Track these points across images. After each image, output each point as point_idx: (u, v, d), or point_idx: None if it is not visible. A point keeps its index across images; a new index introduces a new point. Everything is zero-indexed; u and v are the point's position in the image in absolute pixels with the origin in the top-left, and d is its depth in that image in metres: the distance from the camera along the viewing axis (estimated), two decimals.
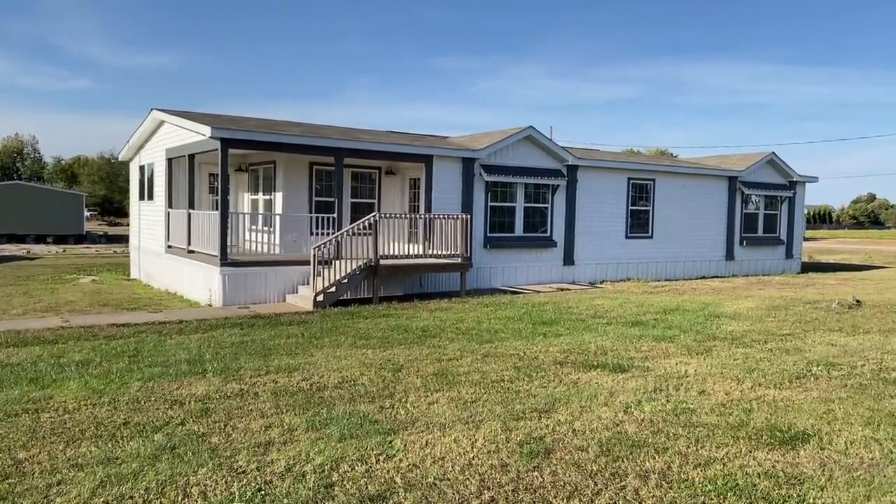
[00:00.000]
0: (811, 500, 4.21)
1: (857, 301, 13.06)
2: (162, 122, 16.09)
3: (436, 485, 4.38)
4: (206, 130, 12.55)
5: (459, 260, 14.40)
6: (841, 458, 4.91)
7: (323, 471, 4.55)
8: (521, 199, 16.79)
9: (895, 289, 16.56)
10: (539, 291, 15.40)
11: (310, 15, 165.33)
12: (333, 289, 12.58)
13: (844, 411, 6.02)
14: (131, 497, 4.13)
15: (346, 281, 12.77)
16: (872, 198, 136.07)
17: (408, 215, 14.98)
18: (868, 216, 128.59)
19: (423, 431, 5.37)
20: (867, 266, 26.23)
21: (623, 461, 4.80)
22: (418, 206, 15.89)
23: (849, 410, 6.05)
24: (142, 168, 18.23)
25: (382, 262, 13.30)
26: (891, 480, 4.52)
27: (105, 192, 69.57)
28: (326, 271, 12.56)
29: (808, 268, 23.67)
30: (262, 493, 4.21)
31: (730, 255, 20.94)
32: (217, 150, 12.75)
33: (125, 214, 57.23)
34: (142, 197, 18.26)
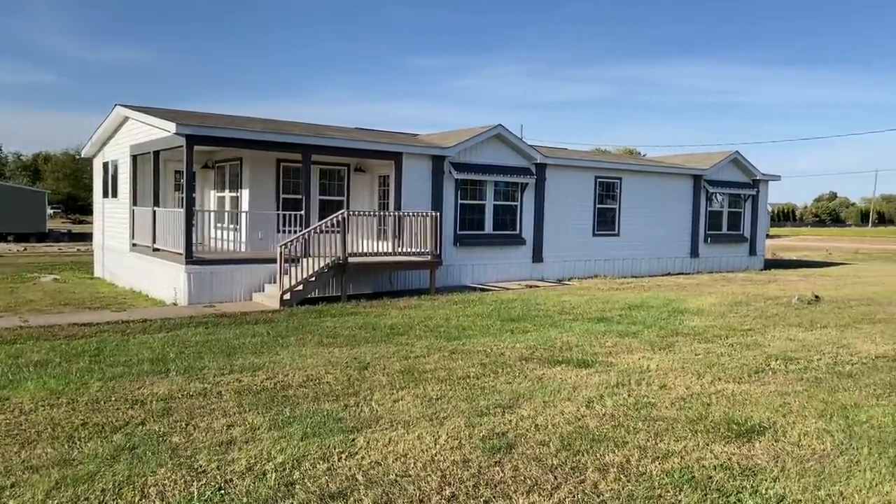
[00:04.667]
0: (763, 491, 4.32)
1: (817, 297, 13.39)
2: (126, 118, 15.81)
3: (397, 481, 4.39)
4: (171, 127, 12.37)
5: (429, 258, 14.41)
6: (794, 450, 5.04)
7: (284, 469, 4.54)
8: (491, 197, 16.87)
9: (853, 284, 17.02)
10: (508, 289, 15.49)
11: (278, 11, 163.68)
12: (301, 287, 12.51)
13: (799, 404, 6.18)
14: (87, 499, 4.08)
15: (313, 279, 12.70)
16: (834, 196, 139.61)
17: (377, 213, 14.93)
18: (830, 214, 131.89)
19: (386, 429, 5.38)
20: (828, 263, 26.88)
21: (583, 455, 4.87)
22: (388, 203, 15.85)
23: (804, 403, 6.21)
24: (105, 165, 17.89)
25: (351, 259, 13.26)
26: (840, 471, 4.66)
27: (70, 189, 68.04)
28: (294, 269, 12.48)
29: (771, 265, 24.16)
30: (222, 492, 4.19)
31: (695, 252, 21.29)
32: (182, 146, 12.58)
33: (90, 212, 56.02)
34: (105, 194, 17.92)
